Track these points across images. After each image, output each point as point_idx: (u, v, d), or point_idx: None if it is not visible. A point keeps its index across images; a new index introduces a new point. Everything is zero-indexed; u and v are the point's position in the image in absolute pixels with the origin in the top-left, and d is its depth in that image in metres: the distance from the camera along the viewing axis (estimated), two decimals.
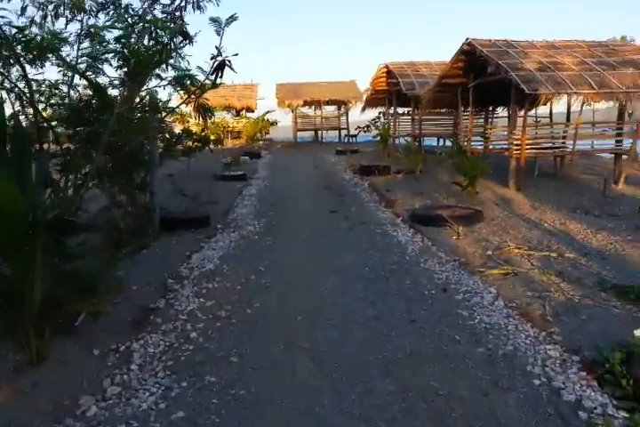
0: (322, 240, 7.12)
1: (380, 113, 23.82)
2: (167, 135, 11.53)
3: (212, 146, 14.06)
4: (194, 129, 22.11)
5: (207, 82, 5.21)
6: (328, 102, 24.74)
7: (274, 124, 25.73)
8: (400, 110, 19.44)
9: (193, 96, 5.41)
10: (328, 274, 5.55)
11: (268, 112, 24.65)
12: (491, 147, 12.87)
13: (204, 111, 5.53)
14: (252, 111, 25.67)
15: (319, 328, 4.15)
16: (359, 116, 21.77)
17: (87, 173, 5.08)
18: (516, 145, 10.36)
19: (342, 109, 25.63)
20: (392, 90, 17.52)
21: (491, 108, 15.05)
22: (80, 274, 3.55)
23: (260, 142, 23.55)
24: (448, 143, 18.60)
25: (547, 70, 9.93)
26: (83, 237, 4.47)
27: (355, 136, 25.27)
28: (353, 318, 4.35)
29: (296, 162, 17.35)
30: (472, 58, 11.39)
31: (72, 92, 5.12)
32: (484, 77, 11.38)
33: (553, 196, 9.91)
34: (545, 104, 11.83)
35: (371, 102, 20.07)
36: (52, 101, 5.03)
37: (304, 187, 12.13)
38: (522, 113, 11.07)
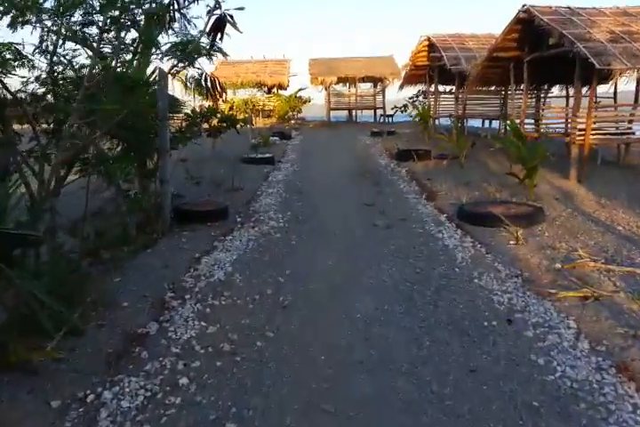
0: (354, 242, 6.10)
1: (419, 91, 22.35)
2: (187, 114, 10.65)
3: (239, 126, 13.07)
4: (224, 107, 21.27)
5: (202, 44, 4.17)
6: (364, 79, 23.36)
7: (306, 102, 24.57)
8: (440, 88, 18.01)
9: (181, 65, 4.37)
10: (361, 291, 4.55)
11: (300, 89, 23.50)
12: (544, 130, 11.50)
13: (213, 87, 4.52)
14: (285, 89, 24.56)
15: (348, 377, 3.17)
16: (397, 93, 20.39)
17: (74, 160, 4.17)
18: (580, 130, 9.01)
19: (378, 87, 24.20)
20: (434, 65, 16.13)
21: (545, 87, 13.48)
22: (29, 311, 2.66)
23: (292, 122, 22.48)
24: (494, 125, 17.16)
25: (620, 41, 8.48)
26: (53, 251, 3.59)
27: (391, 116, 23.88)
28: (392, 361, 3.35)
29: (328, 144, 16.25)
30: (529, 28, 9.96)
31: (54, 62, 4.17)
32: (542, 50, 9.96)
33: (622, 190, 8.53)
34: (614, 82, 10.36)
35: (410, 79, 18.65)
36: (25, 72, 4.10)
37: (336, 173, 11.07)
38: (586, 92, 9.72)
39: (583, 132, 8.91)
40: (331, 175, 10.82)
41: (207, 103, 21.68)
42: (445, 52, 14.09)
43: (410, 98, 23.59)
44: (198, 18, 4.41)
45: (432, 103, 17.32)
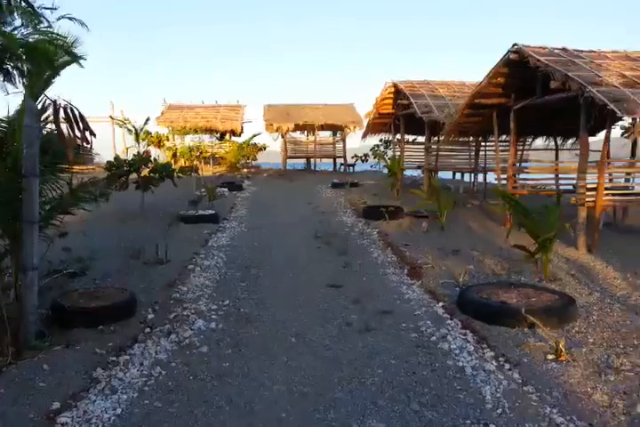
0: (319, 363, 3.98)
1: (381, 140, 21.11)
2: (110, 162, 8.57)
3: (178, 176, 11.00)
4: (166, 153, 19.18)
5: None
6: (323, 127, 21.94)
7: (262, 149, 22.85)
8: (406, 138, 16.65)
9: None
10: None
11: (254, 136, 21.81)
12: (531, 187, 10.04)
13: (71, 123, 2.55)
14: (238, 135, 22.83)
15: None
16: (360, 142, 18.90)
17: None
18: (589, 189, 7.47)
19: (338, 135, 22.86)
20: (400, 114, 14.74)
21: (529, 139, 12.18)
22: None
23: (245, 170, 20.57)
24: (466, 178, 15.83)
25: (637, 86, 7.09)
26: None
27: (352, 166, 22.43)
28: None
29: (284, 196, 14.32)
30: (517, 72, 8.61)
31: None
32: (534, 97, 8.56)
33: None
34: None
35: (373, 128, 17.22)
36: None
37: (293, 236, 9.05)
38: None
39: (594, 193, 7.36)
40: (286, 239, 8.79)
41: (152, 149, 19.62)
42: (415, 99, 12.71)
43: (371, 149, 22.33)
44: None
45: (397, 154, 15.85)
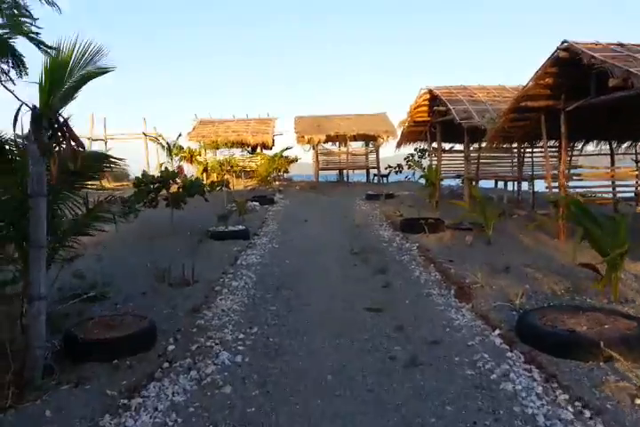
0: (362, 408, 3.40)
1: (415, 149, 20.44)
2: (138, 179, 8.28)
3: (207, 190, 10.71)
4: (198, 167, 19.04)
5: None
6: (355, 138, 21.45)
7: (293, 161, 22.53)
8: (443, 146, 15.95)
9: None
10: None
11: (286, 149, 21.50)
12: (588, 195, 9.24)
13: (58, 136, 2.12)
14: (270, 148, 22.59)
15: None
16: (395, 152, 18.27)
17: None
18: None
19: (371, 145, 22.32)
20: (436, 121, 14.10)
21: (580, 144, 11.33)
22: None
23: (277, 183, 20.23)
24: (509, 187, 14.99)
25: None
26: None
27: (386, 176, 21.82)
28: None
29: (317, 210, 13.81)
30: (567, 71, 7.92)
31: None
32: (590, 97, 7.82)
33: None
34: None
35: (408, 137, 16.60)
36: None
37: (327, 252, 8.51)
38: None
39: None
40: (320, 256, 8.25)
41: (185, 164, 19.57)
42: (452, 105, 12.07)
43: (405, 158, 21.74)
44: None
45: (435, 163, 15.17)
